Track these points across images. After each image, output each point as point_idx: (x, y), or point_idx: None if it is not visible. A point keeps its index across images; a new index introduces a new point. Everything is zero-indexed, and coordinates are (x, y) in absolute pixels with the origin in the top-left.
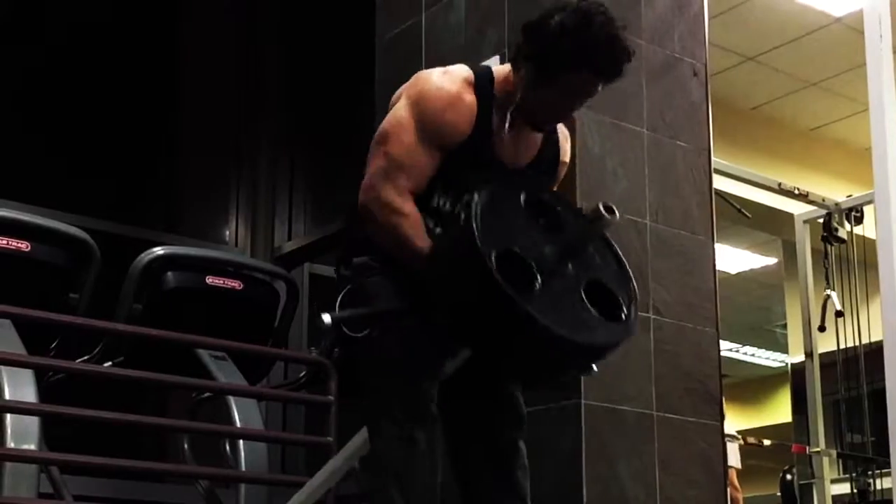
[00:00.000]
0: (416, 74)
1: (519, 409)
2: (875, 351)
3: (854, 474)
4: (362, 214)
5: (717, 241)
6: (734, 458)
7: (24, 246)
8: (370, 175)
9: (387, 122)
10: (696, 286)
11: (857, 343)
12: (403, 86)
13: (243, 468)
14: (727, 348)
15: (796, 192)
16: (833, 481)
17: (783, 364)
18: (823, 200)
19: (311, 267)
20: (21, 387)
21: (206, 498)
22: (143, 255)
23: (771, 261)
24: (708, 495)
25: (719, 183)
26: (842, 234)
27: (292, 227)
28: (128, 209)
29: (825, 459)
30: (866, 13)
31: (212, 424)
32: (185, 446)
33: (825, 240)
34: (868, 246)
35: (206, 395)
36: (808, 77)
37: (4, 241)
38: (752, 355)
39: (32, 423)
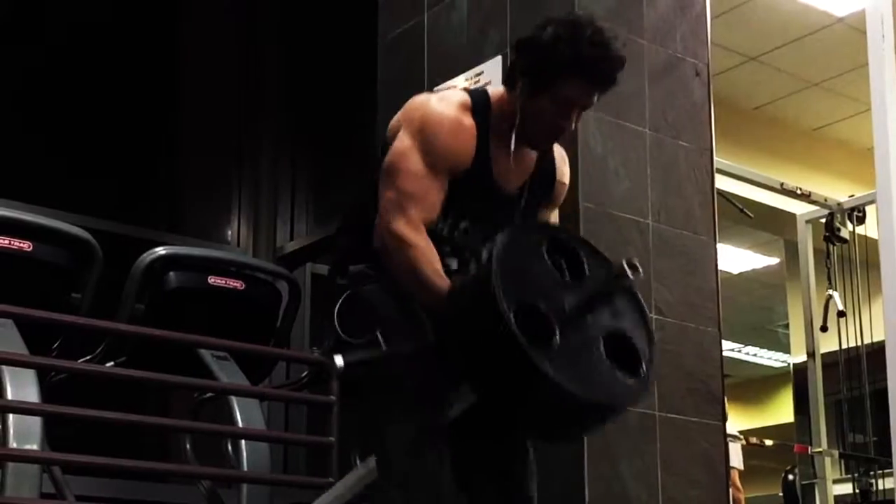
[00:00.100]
0: (409, 102)
1: (532, 464)
2: (877, 351)
3: (856, 474)
4: (378, 249)
5: (720, 241)
6: (736, 458)
7: (26, 246)
8: (382, 209)
9: (391, 154)
10: (699, 286)
11: (860, 343)
12: (399, 115)
13: (245, 468)
14: (729, 348)
15: (798, 191)
16: (835, 481)
17: (785, 364)
18: (826, 200)
19: (313, 267)
20: (23, 387)
21: (208, 498)
22: (145, 254)
23: (773, 261)
24: (710, 495)
25: (721, 183)
26: (844, 234)
27: (294, 227)
28: (130, 209)
29: (827, 459)
30: (868, 13)
31: (214, 424)
32: (187, 446)
33: (827, 240)
34: (870, 246)
35: (208, 395)
36: (810, 77)
37: (6, 241)
38: (755, 355)
39: (34, 423)
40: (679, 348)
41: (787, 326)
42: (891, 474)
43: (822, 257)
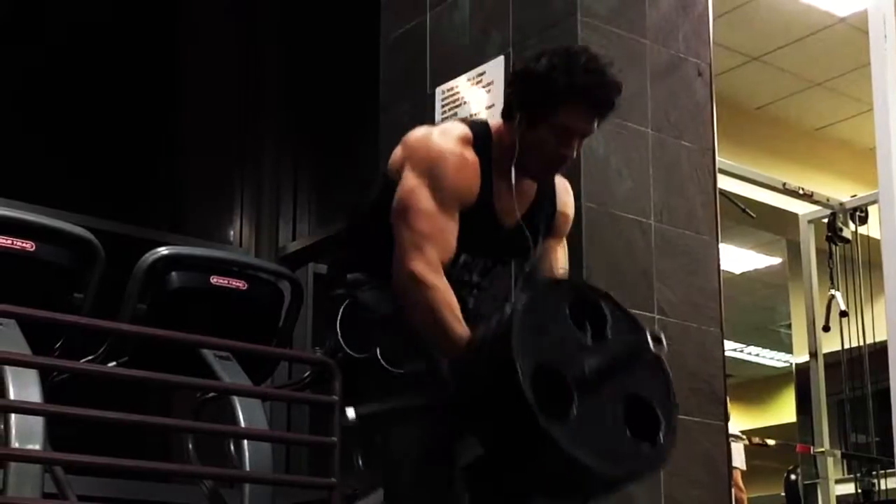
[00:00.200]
0: (410, 137)
1: None
2: (879, 351)
3: (858, 474)
4: (396, 291)
5: (722, 241)
6: (738, 458)
7: (28, 246)
8: (398, 251)
9: (402, 194)
10: (701, 286)
11: (862, 343)
12: (401, 151)
13: (247, 468)
14: (731, 348)
15: (801, 191)
16: (837, 481)
17: (787, 364)
18: (828, 200)
19: (315, 267)
20: (25, 387)
21: (210, 498)
22: (147, 254)
23: (775, 261)
24: (712, 496)
25: (724, 183)
26: (846, 234)
27: (296, 227)
28: (132, 209)
29: (829, 459)
30: (871, 13)
31: (216, 424)
32: (190, 446)
33: (830, 240)
34: (872, 246)
35: (211, 395)
36: (812, 77)
37: (9, 241)
38: (757, 355)
39: (37, 422)
40: (681, 348)
41: (789, 326)
42: (893, 474)
43: (825, 257)
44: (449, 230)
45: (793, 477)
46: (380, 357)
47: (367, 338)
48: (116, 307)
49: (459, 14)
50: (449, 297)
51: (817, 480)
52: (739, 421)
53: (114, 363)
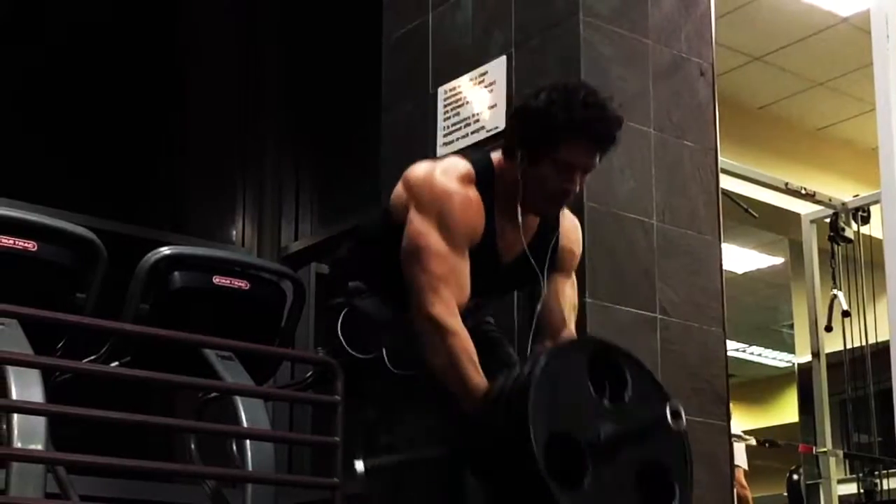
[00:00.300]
0: (412, 174)
1: None
2: (882, 351)
3: (861, 474)
4: (418, 332)
5: (724, 241)
6: (740, 457)
7: (30, 246)
8: (415, 295)
9: (410, 236)
10: (703, 286)
11: (864, 343)
12: (404, 189)
13: (250, 468)
14: (734, 348)
15: (803, 191)
16: (840, 481)
17: (790, 364)
18: (830, 200)
19: (317, 266)
20: (28, 387)
21: (212, 498)
22: (149, 254)
23: (778, 261)
24: (714, 496)
25: (726, 183)
26: (849, 233)
27: (299, 227)
28: (134, 209)
29: (832, 459)
30: (873, 13)
31: (218, 424)
32: (192, 446)
33: (832, 240)
34: (875, 246)
35: (213, 395)
36: (815, 77)
37: (11, 241)
38: (759, 355)
39: (39, 422)
40: (684, 348)
41: (791, 326)
42: (895, 474)
43: (827, 257)
44: (462, 271)
45: (795, 477)
46: (385, 359)
47: (369, 341)
48: (119, 307)
49: (462, 14)
50: (468, 345)
51: (820, 480)
52: (742, 421)
53: (116, 363)
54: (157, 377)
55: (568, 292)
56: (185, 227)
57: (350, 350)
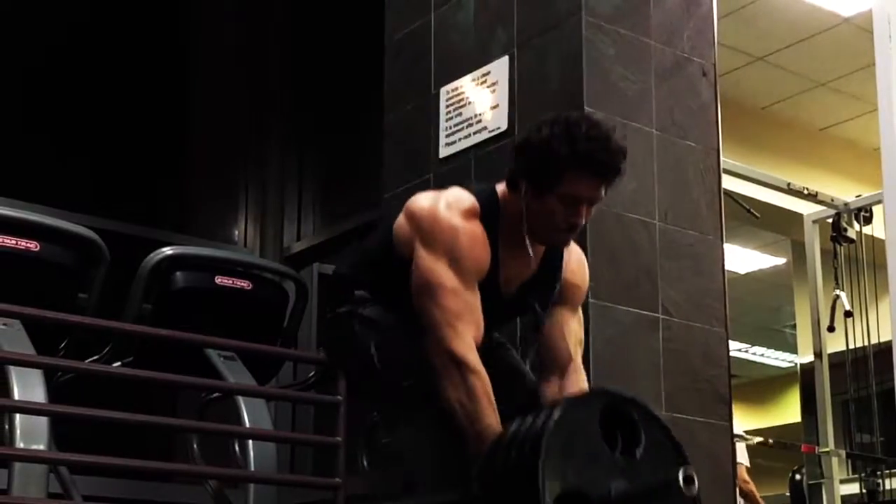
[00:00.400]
0: (415, 207)
1: None
2: (884, 351)
3: (863, 474)
4: (435, 370)
5: (726, 241)
6: (741, 455)
7: (33, 246)
8: (432, 331)
9: (421, 274)
10: (705, 286)
11: (866, 343)
12: (407, 222)
13: (252, 468)
14: (736, 348)
15: (805, 191)
16: (842, 481)
17: (792, 364)
18: (832, 200)
19: (320, 267)
20: (30, 387)
21: (215, 498)
22: (152, 254)
23: (780, 261)
24: (716, 495)
25: (728, 183)
26: (851, 234)
27: (301, 227)
28: (137, 209)
29: (834, 459)
30: (875, 13)
31: (221, 424)
32: (195, 446)
33: (834, 240)
34: (877, 246)
35: (216, 395)
36: (817, 77)
37: (13, 241)
38: (762, 355)
39: (42, 423)
40: (686, 348)
41: (794, 326)
42: None
43: (829, 257)
44: (476, 306)
45: (797, 477)
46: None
47: (377, 350)
48: (121, 307)
49: (463, 14)
50: (487, 385)
51: (822, 480)
52: (744, 421)
53: (118, 363)
54: (160, 377)
55: (573, 326)
56: (187, 228)
57: (365, 360)
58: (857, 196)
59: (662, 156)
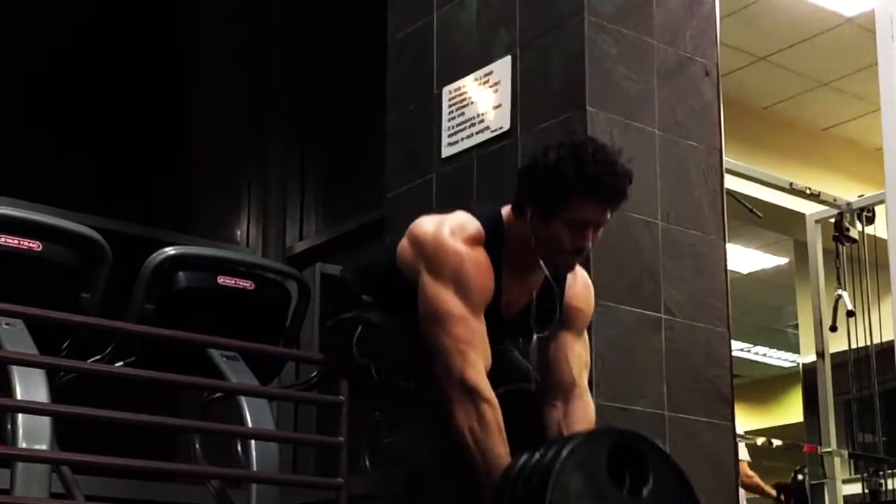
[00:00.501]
0: (419, 232)
1: None
2: (886, 350)
3: (865, 474)
4: (444, 398)
5: (729, 241)
6: (742, 451)
7: (35, 246)
8: (442, 358)
9: (428, 302)
10: (708, 286)
11: (869, 343)
12: (411, 247)
13: (255, 468)
14: (738, 348)
15: (808, 191)
16: (844, 481)
17: (794, 364)
18: (835, 200)
19: (322, 267)
20: (33, 386)
21: (217, 498)
22: (154, 254)
23: (782, 261)
24: (718, 495)
25: (731, 183)
26: (853, 233)
27: (304, 227)
28: (139, 209)
29: (837, 459)
30: (878, 13)
31: (223, 424)
32: (197, 446)
33: (836, 239)
34: (879, 246)
35: (218, 395)
36: (819, 77)
37: (16, 241)
38: (764, 355)
39: (44, 422)
40: (688, 348)
41: (796, 326)
42: None
43: (832, 257)
44: (484, 334)
45: (800, 477)
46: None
47: (384, 355)
48: (124, 307)
49: (466, 14)
50: (498, 414)
51: (824, 480)
52: (746, 421)
53: (121, 363)
54: (162, 377)
55: (577, 350)
56: (189, 228)
57: (369, 364)
58: (860, 196)
59: (665, 156)
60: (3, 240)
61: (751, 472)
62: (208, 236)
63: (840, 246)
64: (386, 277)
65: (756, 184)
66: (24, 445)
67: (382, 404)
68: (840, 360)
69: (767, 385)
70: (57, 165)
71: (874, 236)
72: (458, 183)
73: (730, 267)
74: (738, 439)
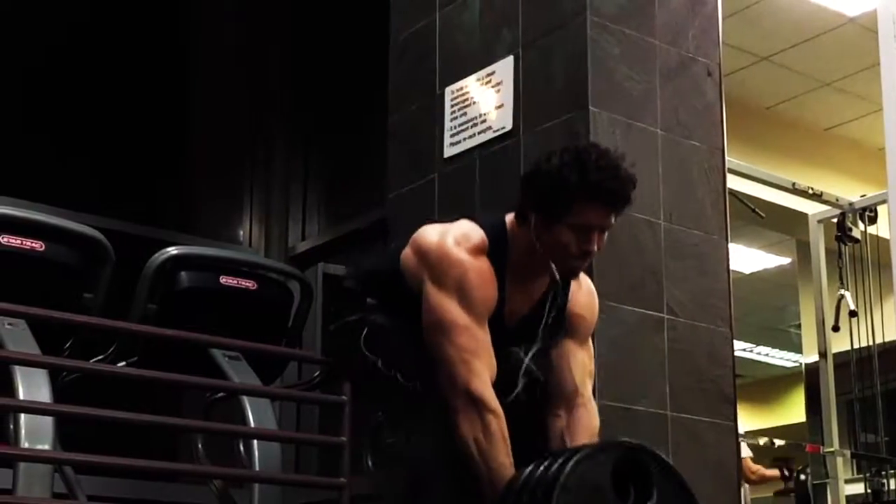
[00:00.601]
0: (422, 242)
1: None
2: (889, 350)
3: (868, 474)
4: (449, 408)
5: (731, 241)
6: (744, 449)
7: (38, 246)
8: (446, 368)
9: (432, 311)
10: (710, 286)
11: (871, 343)
12: (415, 256)
13: (257, 468)
14: (741, 348)
15: (810, 191)
16: (847, 481)
17: (797, 364)
18: (837, 200)
19: (325, 267)
20: (35, 387)
21: (219, 498)
22: (157, 254)
23: (785, 260)
24: (721, 495)
25: (733, 183)
26: (856, 233)
27: (306, 227)
28: (142, 209)
29: (839, 459)
30: (880, 13)
31: (226, 424)
32: (199, 446)
33: (839, 239)
34: (882, 246)
35: (220, 395)
36: (822, 77)
37: (19, 241)
38: (766, 355)
39: (46, 422)
40: (691, 348)
41: (798, 326)
42: None
43: (834, 257)
44: (488, 344)
45: (802, 477)
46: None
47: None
48: (126, 307)
49: (468, 14)
50: (503, 424)
51: (827, 480)
52: (749, 421)
53: (123, 363)
54: (165, 377)
55: (580, 358)
56: (192, 227)
57: (376, 362)
58: (862, 196)
59: (667, 156)
60: (5, 240)
61: (755, 467)
62: (211, 236)
63: (842, 246)
64: (389, 283)
65: (758, 184)
66: (26, 445)
67: (386, 404)
68: (842, 360)
69: (770, 385)
70: (59, 165)
71: (876, 236)
72: (460, 183)
73: (732, 267)
74: (740, 439)
